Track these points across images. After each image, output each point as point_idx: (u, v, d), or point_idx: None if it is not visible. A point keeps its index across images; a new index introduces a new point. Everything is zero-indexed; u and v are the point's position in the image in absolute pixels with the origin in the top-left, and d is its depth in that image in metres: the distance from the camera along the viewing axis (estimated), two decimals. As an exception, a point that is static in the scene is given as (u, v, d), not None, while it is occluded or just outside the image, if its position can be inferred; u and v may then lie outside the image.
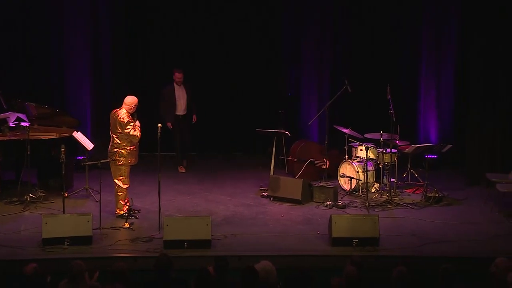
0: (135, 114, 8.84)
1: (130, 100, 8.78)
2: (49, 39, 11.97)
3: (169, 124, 11.28)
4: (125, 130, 8.66)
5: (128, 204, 8.90)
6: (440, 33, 11.79)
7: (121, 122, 8.66)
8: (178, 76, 11.44)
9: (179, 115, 11.48)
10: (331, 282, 5.72)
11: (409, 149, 10.16)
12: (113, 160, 8.73)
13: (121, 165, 8.78)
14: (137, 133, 8.73)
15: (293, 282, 5.59)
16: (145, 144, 12.32)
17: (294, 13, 12.39)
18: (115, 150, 8.74)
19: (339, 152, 11.02)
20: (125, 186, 8.86)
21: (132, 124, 8.69)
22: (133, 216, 8.80)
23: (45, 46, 11.99)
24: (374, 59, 12.23)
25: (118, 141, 8.74)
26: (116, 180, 8.85)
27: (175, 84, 11.47)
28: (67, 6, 11.79)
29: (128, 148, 8.76)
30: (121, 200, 8.87)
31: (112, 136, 8.81)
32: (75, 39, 11.82)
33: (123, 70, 12.44)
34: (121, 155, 8.74)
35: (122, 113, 8.71)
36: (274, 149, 10.70)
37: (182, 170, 11.65)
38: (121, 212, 8.84)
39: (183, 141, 11.62)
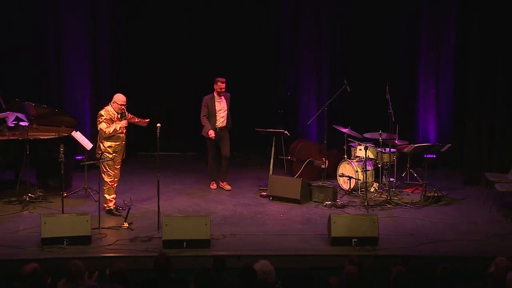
0: (124, 114, 8.89)
1: (114, 97, 8.90)
2: (48, 39, 11.94)
3: (211, 132, 10.27)
4: (97, 123, 8.82)
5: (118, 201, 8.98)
6: (439, 33, 11.79)
7: (98, 114, 8.85)
8: (221, 86, 10.31)
9: (217, 127, 10.41)
10: (329, 282, 5.72)
11: (408, 148, 10.16)
12: (108, 158, 8.79)
13: (103, 159, 8.78)
14: (105, 128, 8.72)
15: (292, 282, 5.59)
16: (145, 144, 12.37)
17: (293, 12, 12.39)
18: (98, 142, 8.90)
19: (338, 152, 11.02)
20: (108, 179, 8.91)
21: (103, 118, 8.75)
22: (123, 208, 8.83)
23: (44, 46, 11.97)
24: (373, 59, 12.23)
25: (99, 136, 8.88)
26: (102, 174, 8.93)
27: (215, 94, 10.36)
28: (66, 6, 11.79)
29: (106, 142, 8.81)
30: (106, 194, 8.94)
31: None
32: (74, 39, 11.82)
33: (122, 70, 12.43)
34: (100, 149, 8.82)
35: (106, 107, 8.86)
36: (273, 148, 10.70)
37: (213, 186, 10.61)
38: (109, 207, 8.93)
39: (224, 155, 10.46)
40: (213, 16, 12.71)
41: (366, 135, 10.56)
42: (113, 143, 8.87)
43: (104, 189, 8.97)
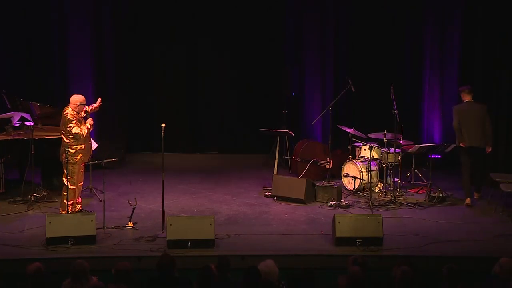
0: (87, 112, 8.81)
1: (74, 99, 8.72)
2: (52, 39, 11.96)
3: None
4: (67, 128, 8.61)
5: (78, 203, 8.82)
6: (444, 33, 11.77)
7: (64, 120, 8.65)
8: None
9: None
10: (338, 281, 5.71)
11: (412, 148, 10.14)
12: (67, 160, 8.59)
13: (68, 163, 8.59)
14: (81, 131, 8.63)
15: (296, 282, 5.59)
16: (149, 144, 12.37)
17: (297, 12, 12.38)
18: (62, 148, 8.66)
19: (342, 152, 11.01)
20: (72, 187, 8.65)
21: (74, 122, 8.61)
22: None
23: (48, 46, 11.99)
24: (377, 59, 12.21)
25: (65, 139, 8.68)
26: (64, 179, 8.69)
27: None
28: (70, 5, 11.79)
29: (75, 146, 8.65)
30: (65, 200, 8.62)
31: (61, 135, 8.78)
32: (78, 38, 11.83)
33: (126, 69, 12.44)
34: (68, 153, 8.58)
35: (67, 111, 8.68)
36: (277, 148, 10.70)
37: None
38: (64, 212, 8.63)
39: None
40: (218, 16, 12.70)
41: (371, 135, 10.55)
42: (82, 145, 8.71)
43: (65, 195, 8.59)
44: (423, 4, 11.90)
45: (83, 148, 8.72)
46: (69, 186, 8.62)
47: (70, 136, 8.63)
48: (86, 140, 8.78)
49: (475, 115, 9.61)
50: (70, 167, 8.61)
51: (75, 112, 8.68)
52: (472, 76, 11.13)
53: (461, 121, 9.64)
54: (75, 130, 8.60)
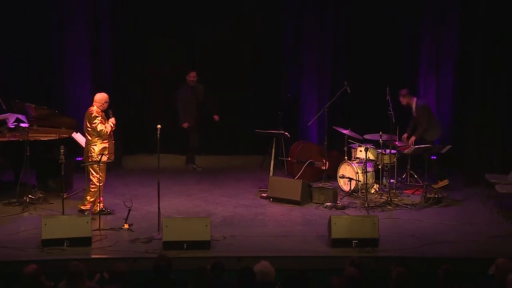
0: (109, 112, 8.90)
1: (99, 97, 8.90)
2: (51, 40, 11.94)
3: None
4: (93, 124, 8.75)
5: (100, 202, 8.89)
6: (440, 34, 11.77)
7: (90, 117, 8.78)
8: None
9: None
10: (332, 282, 5.72)
11: (408, 150, 10.16)
12: (97, 160, 8.73)
13: (93, 162, 8.80)
14: (105, 128, 8.77)
15: (292, 283, 5.58)
16: (145, 145, 12.35)
17: (295, 13, 12.38)
18: (88, 147, 8.83)
19: (338, 153, 11.02)
20: (98, 184, 8.86)
21: (99, 119, 8.76)
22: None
23: (47, 47, 11.97)
24: (374, 60, 12.21)
25: (89, 138, 8.83)
26: (91, 177, 8.89)
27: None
28: (68, 7, 11.78)
29: (100, 144, 8.80)
30: (89, 196, 8.90)
31: (85, 134, 8.92)
32: (75, 39, 11.80)
33: (124, 69, 12.42)
34: (93, 151, 8.78)
35: (92, 109, 8.85)
36: (273, 150, 10.70)
37: None
38: (84, 208, 8.87)
39: None
40: (217, 16, 12.69)
41: (367, 136, 10.55)
42: (106, 144, 8.85)
43: (91, 192, 8.89)
44: (423, 4, 11.91)
45: (107, 146, 8.84)
46: (96, 183, 8.85)
47: (94, 134, 8.78)
48: (109, 138, 8.90)
49: (430, 113, 10.80)
50: (94, 165, 8.79)
51: (100, 110, 8.84)
52: (472, 76, 11.12)
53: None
54: (100, 127, 8.76)
